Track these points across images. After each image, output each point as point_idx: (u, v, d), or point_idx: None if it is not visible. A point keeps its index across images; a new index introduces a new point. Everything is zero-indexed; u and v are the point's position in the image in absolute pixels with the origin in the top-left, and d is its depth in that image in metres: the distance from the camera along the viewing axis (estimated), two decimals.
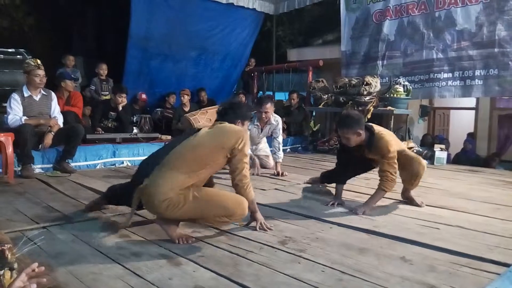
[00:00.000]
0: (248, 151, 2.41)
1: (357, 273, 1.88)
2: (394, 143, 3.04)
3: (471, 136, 7.54)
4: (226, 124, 2.44)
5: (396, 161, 3.01)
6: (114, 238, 2.33)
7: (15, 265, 1.40)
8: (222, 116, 2.52)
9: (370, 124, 3.12)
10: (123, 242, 2.26)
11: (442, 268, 1.97)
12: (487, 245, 2.29)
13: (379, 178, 3.06)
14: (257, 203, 3.05)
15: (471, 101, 7.68)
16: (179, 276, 1.82)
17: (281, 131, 4.66)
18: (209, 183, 2.52)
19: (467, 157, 6.72)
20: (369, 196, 3.12)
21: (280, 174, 4.47)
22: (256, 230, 2.51)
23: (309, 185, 3.94)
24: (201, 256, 2.07)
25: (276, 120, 4.58)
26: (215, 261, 2.01)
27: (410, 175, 3.19)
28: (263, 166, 4.77)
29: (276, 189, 3.79)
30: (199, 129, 2.43)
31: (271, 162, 4.86)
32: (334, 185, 3.44)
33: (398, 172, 3.10)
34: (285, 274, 1.87)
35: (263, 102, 4.43)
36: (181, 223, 2.38)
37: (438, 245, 2.27)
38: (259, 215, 2.57)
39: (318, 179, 3.88)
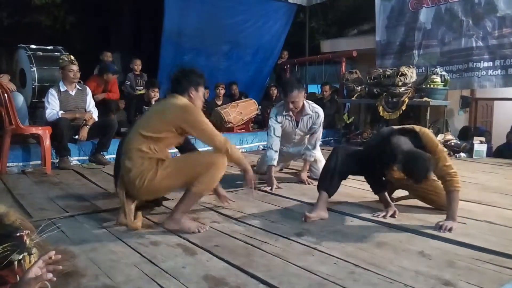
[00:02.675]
0: (204, 119, 2.36)
1: (370, 267, 1.85)
2: None
3: None
4: (175, 98, 2.40)
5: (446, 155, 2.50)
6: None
7: (33, 250, 1.48)
8: (174, 86, 2.46)
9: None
10: (144, 232, 2.33)
11: (462, 263, 1.90)
12: None
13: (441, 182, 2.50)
14: (280, 196, 3.09)
15: None
16: (192, 265, 1.87)
17: (321, 125, 3.78)
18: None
19: (510, 150, 6.37)
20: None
21: (305, 181, 3.71)
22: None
23: None
24: (216, 245, 2.11)
25: (316, 112, 3.73)
26: (229, 251, 2.04)
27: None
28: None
29: (301, 181, 3.75)
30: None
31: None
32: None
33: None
34: (297, 265, 1.87)
35: (288, 91, 3.55)
36: (194, 216, 2.42)
37: (462, 240, 2.19)
38: (249, 175, 2.54)
39: None
